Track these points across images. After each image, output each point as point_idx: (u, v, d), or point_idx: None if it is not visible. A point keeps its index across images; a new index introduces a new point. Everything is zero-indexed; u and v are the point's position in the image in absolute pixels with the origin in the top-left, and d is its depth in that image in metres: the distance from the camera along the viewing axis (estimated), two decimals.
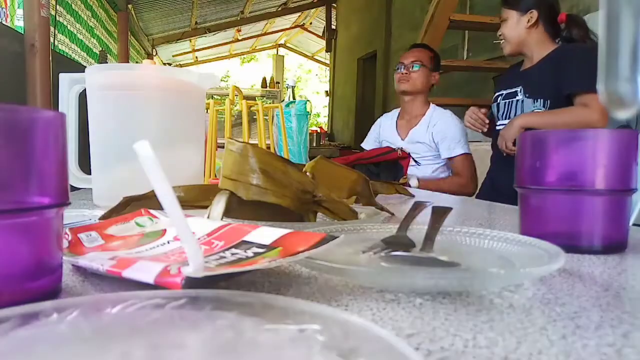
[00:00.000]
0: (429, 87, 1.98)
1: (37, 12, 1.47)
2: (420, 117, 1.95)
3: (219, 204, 0.48)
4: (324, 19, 7.60)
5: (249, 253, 0.33)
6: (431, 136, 1.89)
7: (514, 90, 1.62)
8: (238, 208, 0.51)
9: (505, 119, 1.64)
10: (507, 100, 1.65)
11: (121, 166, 0.71)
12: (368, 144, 2.14)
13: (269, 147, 1.37)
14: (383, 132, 2.10)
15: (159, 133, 0.74)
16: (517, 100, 1.60)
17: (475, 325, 0.27)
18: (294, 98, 1.81)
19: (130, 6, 4.16)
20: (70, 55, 2.89)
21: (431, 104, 1.99)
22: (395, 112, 2.11)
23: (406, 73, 1.95)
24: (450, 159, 1.87)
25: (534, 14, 1.56)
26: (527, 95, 1.56)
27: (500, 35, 1.64)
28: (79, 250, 0.38)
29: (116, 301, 0.23)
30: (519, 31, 1.58)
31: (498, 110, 1.69)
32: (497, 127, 1.70)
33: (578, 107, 1.43)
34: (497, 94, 1.72)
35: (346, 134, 6.90)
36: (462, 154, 1.86)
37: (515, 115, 1.59)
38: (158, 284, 0.28)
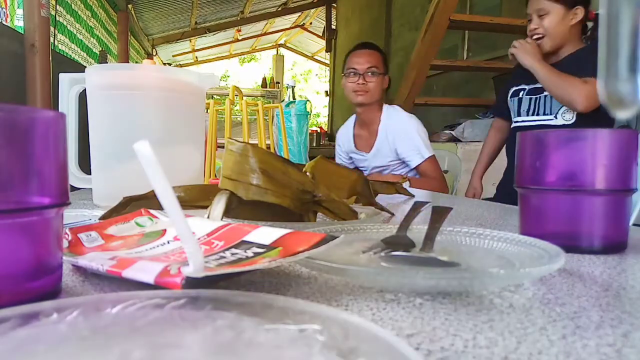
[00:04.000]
0: (384, 93, 1.82)
1: (37, 12, 1.47)
2: (377, 124, 1.80)
3: (219, 204, 0.48)
4: (324, 19, 7.60)
5: (249, 253, 0.33)
6: (391, 144, 1.76)
7: (540, 85, 1.55)
8: (238, 208, 0.51)
9: (532, 115, 1.58)
10: (534, 96, 1.59)
11: (121, 166, 0.71)
12: (341, 160, 1.97)
13: (269, 147, 1.37)
14: (347, 148, 1.94)
15: (159, 133, 0.74)
16: (546, 95, 1.54)
17: (475, 325, 0.27)
18: (294, 98, 1.81)
19: (130, 6, 4.16)
20: (70, 55, 2.89)
21: (383, 105, 1.82)
22: (349, 124, 1.94)
23: (362, 83, 1.74)
24: (417, 167, 1.73)
25: (580, 11, 1.50)
26: None
27: (536, 29, 1.54)
28: (79, 250, 0.38)
29: (116, 301, 0.23)
30: (563, 27, 1.51)
31: (520, 105, 1.62)
32: (515, 124, 1.64)
33: (579, 79, 1.41)
34: (515, 88, 1.65)
35: None
36: (430, 157, 1.71)
37: (545, 110, 1.55)
38: (158, 284, 0.28)
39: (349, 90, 1.77)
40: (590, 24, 1.60)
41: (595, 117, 1.43)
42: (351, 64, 1.77)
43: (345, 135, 1.94)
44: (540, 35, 1.54)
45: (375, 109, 1.80)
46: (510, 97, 1.68)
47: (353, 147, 1.89)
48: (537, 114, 1.57)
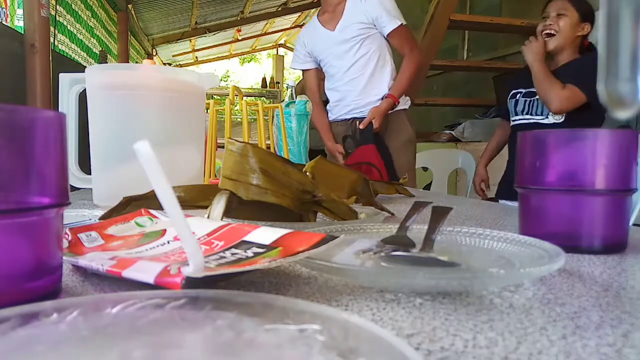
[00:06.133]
0: None
1: (37, 12, 1.47)
2: (343, 2, 1.83)
3: (219, 204, 0.48)
4: None
5: (249, 253, 0.33)
6: (366, 13, 1.79)
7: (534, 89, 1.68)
8: (238, 208, 0.51)
9: (526, 114, 1.71)
10: (528, 99, 1.71)
11: (121, 166, 0.71)
12: (298, 63, 2.01)
13: (269, 147, 1.37)
14: (314, 47, 1.94)
15: (159, 133, 0.74)
16: (538, 99, 1.66)
17: (475, 325, 0.27)
18: (293, 98, 1.81)
19: (130, 6, 4.16)
20: (70, 55, 2.89)
21: None
22: (313, 20, 1.98)
23: None
24: (391, 34, 1.79)
25: (587, 27, 1.62)
26: None
27: (551, 25, 1.63)
28: (79, 250, 0.38)
29: (116, 301, 0.23)
30: (572, 33, 1.61)
31: (516, 106, 1.75)
32: (513, 123, 1.76)
33: (560, 84, 1.55)
34: (514, 91, 1.78)
35: None
36: (400, 25, 1.78)
37: (537, 111, 1.68)
38: (158, 284, 0.28)
39: None
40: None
41: (584, 116, 1.55)
42: None
43: (310, 29, 1.98)
44: (552, 32, 1.63)
45: None
46: (509, 99, 1.81)
47: (319, 27, 1.90)
48: (530, 114, 1.72)
